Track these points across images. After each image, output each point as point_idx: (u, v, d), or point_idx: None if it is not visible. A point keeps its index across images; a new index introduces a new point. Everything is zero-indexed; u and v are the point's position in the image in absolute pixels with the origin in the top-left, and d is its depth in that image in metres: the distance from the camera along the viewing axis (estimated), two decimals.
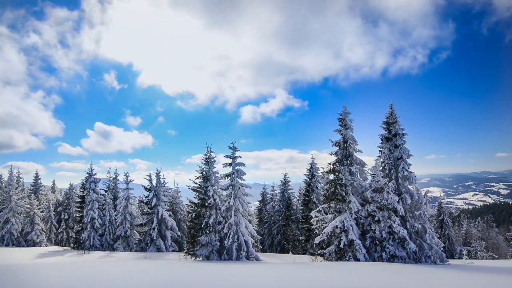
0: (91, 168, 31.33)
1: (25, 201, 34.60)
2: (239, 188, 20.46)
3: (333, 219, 18.57)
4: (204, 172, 20.95)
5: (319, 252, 19.07)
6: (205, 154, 21.17)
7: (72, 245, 31.70)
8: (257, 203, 41.37)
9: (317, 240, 18.81)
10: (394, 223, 17.40)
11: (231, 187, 20.32)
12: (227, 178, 20.49)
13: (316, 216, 19.97)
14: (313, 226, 20.94)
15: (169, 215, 29.84)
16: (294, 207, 34.80)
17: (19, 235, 33.02)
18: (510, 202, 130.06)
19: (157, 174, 29.06)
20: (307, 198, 30.30)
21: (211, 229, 19.84)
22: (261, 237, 35.98)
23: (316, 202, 29.17)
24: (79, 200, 32.25)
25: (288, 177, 36.66)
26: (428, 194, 20.48)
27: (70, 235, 40.22)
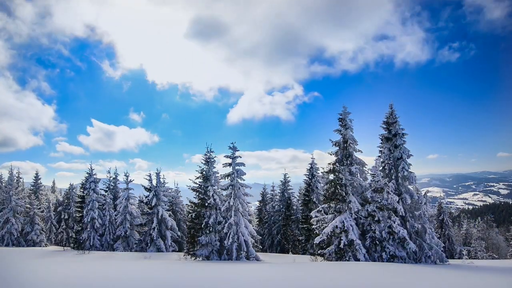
0: (91, 168, 31.34)
1: (25, 201, 34.61)
2: (239, 188, 20.46)
3: (333, 219, 18.57)
4: (204, 172, 20.96)
5: (319, 252, 19.07)
6: (205, 154, 21.18)
7: (72, 245, 31.70)
8: (257, 203, 41.37)
9: (317, 240, 18.81)
10: (394, 223, 17.40)
11: (231, 187, 20.33)
12: (227, 178, 20.50)
13: (316, 216, 19.97)
14: (313, 226, 20.95)
15: (169, 215, 29.83)
16: (294, 207, 34.80)
17: (19, 235, 33.03)
18: (510, 202, 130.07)
19: (157, 174, 29.06)
20: (307, 198, 30.31)
21: (211, 229, 19.85)
22: (261, 237, 35.96)
23: (316, 202, 29.17)
24: (79, 200, 32.25)
25: (288, 177, 36.68)
26: (428, 194, 20.51)
27: (70, 235, 40.18)
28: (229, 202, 19.90)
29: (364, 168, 19.73)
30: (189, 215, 21.53)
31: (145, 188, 28.77)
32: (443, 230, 35.26)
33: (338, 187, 18.59)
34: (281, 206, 36.10)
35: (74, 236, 31.78)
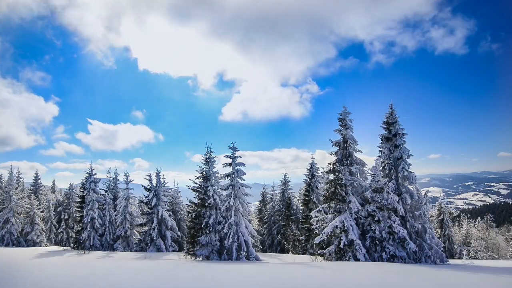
0: (91, 168, 31.32)
1: (25, 201, 34.60)
2: (239, 188, 20.46)
3: (333, 219, 18.57)
4: (204, 172, 20.95)
5: (319, 252, 19.08)
6: (205, 154, 21.16)
7: (72, 245, 31.70)
8: (257, 203, 41.39)
9: (317, 240, 18.82)
10: (394, 223, 17.40)
11: (231, 187, 20.32)
12: (227, 178, 20.49)
13: (316, 216, 19.98)
14: (313, 226, 20.96)
15: (169, 215, 29.83)
16: (294, 207, 34.79)
17: (19, 235, 33.02)
18: (510, 202, 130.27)
19: (157, 174, 29.06)
20: (307, 198, 30.32)
21: (211, 229, 19.84)
22: (261, 237, 36.00)
23: (316, 202, 29.17)
24: (79, 200, 32.23)
25: (288, 177, 36.71)
26: (428, 194, 20.50)
27: (70, 235, 40.20)
28: (229, 202, 19.90)
29: (364, 168, 19.73)
30: (189, 215, 21.52)
31: (145, 188, 28.77)
32: (443, 230, 35.25)
33: (338, 187, 18.60)
34: (281, 206, 36.11)
35: (74, 236, 31.77)
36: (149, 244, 27.64)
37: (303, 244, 28.37)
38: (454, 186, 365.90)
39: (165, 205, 29.76)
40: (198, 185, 20.91)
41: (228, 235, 19.48)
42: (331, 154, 19.73)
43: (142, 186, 29.06)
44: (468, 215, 50.61)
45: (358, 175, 19.54)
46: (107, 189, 34.99)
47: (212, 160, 21.11)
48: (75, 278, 10.06)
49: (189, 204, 22.03)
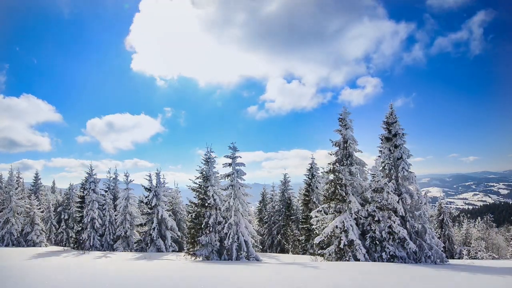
0: (91, 168, 31.31)
1: (25, 201, 34.59)
2: (239, 188, 20.45)
3: (333, 219, 18.57)
4: (204, 172, 20.94)
5: (319, 252, 19.08)
6: (205, 154, 21.15)
7: (72, 245, 31.70)
8: (257, 203, 41.40)
9: (317, 240, 18.82)
10: (394, 223, 17.40)
11: (231, 187, 20.31)
12: (227, 178, 20.48)
13: (316, 216, 19.98)
14: (313, 226, 20.97)
15: (169, 215, 29.83)
16: (294, 207, 34.80)
17: (19, 235, 32.99)
18: (510, 202, 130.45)
19: (157, 174, 29.05)
20: (307, 198, 30.32)
21: (211, 229, 19.83)
22: (261, 237, 35.99)
23: (316, 202, 29.18)
24: (79, 200, 32.21)
25: (288, 177, 36.72)
26: (428, 194, 20.51)
27: (70, 235, 40.18)
28: (229, 202, 19.90)
29: (364, 168, 19.74)
30: (189, 215, 21.51)
31: (145, 188, 28.76)
32: (443, 230, 35.26)
33: (338, 187, 18.59)
34: (281, 206, 36.12)
35: (74, 236, 31.76)
36: (149, 244, 27.63)
37: (303, 244, 28.38)
38: (454, 186, 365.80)
39: (165, 205, 29.75)
40: (198, 185, 20.90)
41: (228, 235, 19.47)
42: (331, 154, 19.72)
43: (142, 186, 29.06)
44: (468, 215, 50.60)
45: (358, 175, 19.54)
46: (107, 189, 34.99)
47: (212, 160, 21.10)
48: (75, 278, 10.05)
49: (189, 204, 22.02)
